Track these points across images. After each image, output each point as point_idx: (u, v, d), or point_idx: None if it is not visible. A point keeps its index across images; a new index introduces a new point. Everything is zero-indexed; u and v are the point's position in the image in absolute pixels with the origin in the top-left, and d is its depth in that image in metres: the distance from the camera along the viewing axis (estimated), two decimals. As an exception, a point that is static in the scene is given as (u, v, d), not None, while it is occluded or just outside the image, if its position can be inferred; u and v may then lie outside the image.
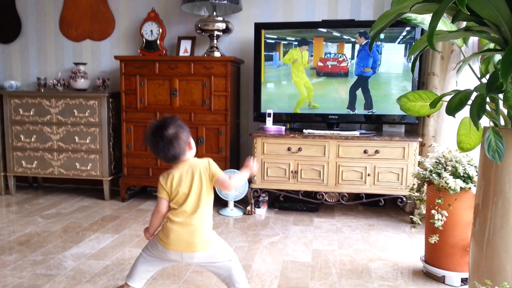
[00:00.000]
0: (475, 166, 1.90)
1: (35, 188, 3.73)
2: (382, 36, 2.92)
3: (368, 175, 2.82)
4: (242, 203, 3.12)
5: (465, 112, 1.42)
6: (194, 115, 3.12)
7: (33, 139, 3.37)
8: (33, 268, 2.07)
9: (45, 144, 3.36)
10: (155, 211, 1.67)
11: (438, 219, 1.88)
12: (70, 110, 3.30)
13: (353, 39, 2.98)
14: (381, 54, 2.95)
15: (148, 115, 3.19)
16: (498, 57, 1.52)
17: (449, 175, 1.89)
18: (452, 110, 1.39)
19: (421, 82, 3.02)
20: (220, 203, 3.08)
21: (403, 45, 2.92)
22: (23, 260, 2.17)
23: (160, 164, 3.20)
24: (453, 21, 1.23)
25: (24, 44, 3.84)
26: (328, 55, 3.02)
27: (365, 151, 2.82)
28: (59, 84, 3.52)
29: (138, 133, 3.23)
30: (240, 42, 3.47)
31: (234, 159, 3.32)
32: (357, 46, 2.98)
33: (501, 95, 1.33)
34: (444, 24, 1.56)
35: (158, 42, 3.32)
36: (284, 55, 3.06)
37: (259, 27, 3.09)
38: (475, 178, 1.86)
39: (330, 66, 3.02)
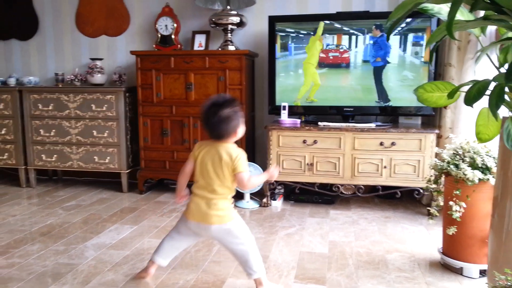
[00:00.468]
0: (494, 157, 1.89)
1: (55, 181, 3.82)
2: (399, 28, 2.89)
3: (385, 167, 2.81)
4: (258, 196, 3.14)
5: (483, 102, 1.41)
6: (210, 108, 3.14)
7: (52, 133, 3.45)
8: (56, 257, 2.13)
9: (64, 138, 3.43)
10: (181, 170, 1.82)
11: (456, 211, 1.87)
12: (88, 105, 3.35)
13: (351, 30, 2.98)
14: (400, 45, 2.93)
15: (164, 109, 3.23)
16: (517, 46, 1.50)
17: (467, 166, 1.88)
18: (470, 100, 1.38)
19: (438, 74, 2.98)
20: (236, 195, 3.10)
21: (422, 36, 2.89)
22: (46, 250, 2.23)
23: (176, 157, 3.24)
24: (471, 10, 1.22)
25: (42, 40, 3.91)
26: (330, 46, 3.02)
27: (381, 143, 2.81)
28: (76, 80, 3.58)
29: (155, 127, 3.28)
30: (254, 36, 3.47)
31: (249, 152, 3.34)
32: (360, 38, 2.97)
33: (520, 85, 1.32)
34: (461, 14, 1.55)
35: (173, 36, 3.35)
36: (295, 49, 3.07)
37: (273, 20, 3.09)
38: (494, 169, 1.84)
39: (331, 58, 3.03)
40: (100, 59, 3.62)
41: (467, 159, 1.91)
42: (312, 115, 3.25)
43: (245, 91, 3.11)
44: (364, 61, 3.00)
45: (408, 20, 2.88)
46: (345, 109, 3.04)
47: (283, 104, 3.08)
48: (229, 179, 1.71)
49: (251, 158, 3.33)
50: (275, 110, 3.15)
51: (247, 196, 3.07)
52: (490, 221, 1.49)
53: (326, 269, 2.01)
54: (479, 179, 1.84)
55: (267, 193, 3.04)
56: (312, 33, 3.04)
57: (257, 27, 3.45)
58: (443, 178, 2.02)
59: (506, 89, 1.35)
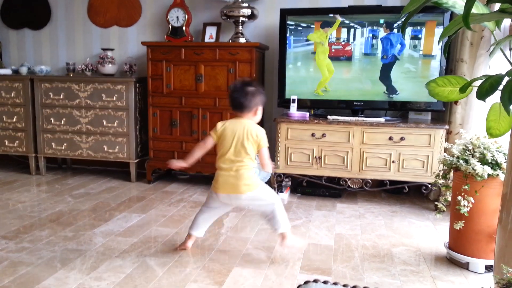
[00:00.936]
0: (504, 153, 1.88)
1: (64, 169, 3.86)
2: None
3: (393, 161, 2.81)
4: (264, 188, 3.15)
5: (494, 98, 1.40)
6: (219, 100, 3.15)
7: (62, 122, 3.48)
8: (65, 243, 2.16)
9: (74, 127, 3.46)
10: (200, 142, 2.01)
11: (464, 206, 1.87)
12: (98, 95, 3.38)
13: (352, 24, 2.98)
14: (413, 38, 2.91)
15: (173, 100, 3.24)
16: (532, 40, 1.48)
17: (477, 161, 1.87)
18: (483, 94, 1.38)
19: (449, 69, 2.96)
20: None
21: (437, 30, 2.87)
22: (55, 235, 2.26)
23: (185, 148, 3.26)
24: (487, 3, 1.21)
25: (54, 30, 3.94)
26: (338, 40, 3.02)
27: (390, 138, 2.80)
28: (87, 69, 3.60)
29: (164, 118, 3.29)
30: (265, 28, 3.47)
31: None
32: (358, 31, 2.98)
33: (534, 79, 1.31)
34: (476, 8, 1.53)
35: (184, 28, 3.35)
36: (306, 42, 3.07)
37: (284, 13, 3.09)
38: (504, 165, 1.83)
39: (334, 50, 3.04)
40: (111, 50, 3.64)
41: (477, 155, 1.90)
42: (321, 109, 3.25)
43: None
44: (373, 55, 2.98)
45: (420, 15, 2.86)
46: (354, 103, 3.04)
47: (292, 97, 3.08)
48: (253, 151, 1.94)
49: (259, 151, 3.34)
50: (285, 103, 3.15)
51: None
52: (498, 217, 1.48)
53: (332, 260, 2.02)
54: (489, 175, 1.83)
55: (274, 185, 3.05)
56: (325, 27, 3.02)
57: (268, 20, 3.45)
58: (452, 173, 2.02)
59: (519, 84, 1.34)
